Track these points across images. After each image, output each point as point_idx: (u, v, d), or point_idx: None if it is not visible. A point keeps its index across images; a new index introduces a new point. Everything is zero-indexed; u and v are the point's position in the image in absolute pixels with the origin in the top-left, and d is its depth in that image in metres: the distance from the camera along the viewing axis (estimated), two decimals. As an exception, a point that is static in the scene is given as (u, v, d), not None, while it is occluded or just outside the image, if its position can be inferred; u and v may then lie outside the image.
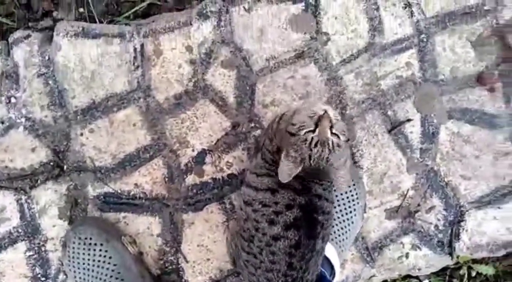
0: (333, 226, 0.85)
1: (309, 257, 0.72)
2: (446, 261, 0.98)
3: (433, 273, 1.04)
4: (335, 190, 0.86)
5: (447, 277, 1.08)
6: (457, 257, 0.99)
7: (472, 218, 0.96)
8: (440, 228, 0.96)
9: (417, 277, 1.06)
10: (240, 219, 0.80)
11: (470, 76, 0.95)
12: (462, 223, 0.96)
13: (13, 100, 0.93)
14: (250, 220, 0.75)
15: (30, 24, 1.02)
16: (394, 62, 0.94)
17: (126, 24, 0.98)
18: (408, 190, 0.95)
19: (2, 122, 0.93)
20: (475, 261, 1.06)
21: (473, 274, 1.08)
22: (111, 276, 0.84)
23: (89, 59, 0.93)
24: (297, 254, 0.71)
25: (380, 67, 0.94)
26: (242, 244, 0.78)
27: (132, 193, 0.94)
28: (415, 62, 0.95)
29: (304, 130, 0.65)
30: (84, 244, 0.86)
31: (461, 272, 1.06)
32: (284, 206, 0.72)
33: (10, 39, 0.94)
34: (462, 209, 0.96)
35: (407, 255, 0.96)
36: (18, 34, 0.94)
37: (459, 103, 0.95)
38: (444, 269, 1.05)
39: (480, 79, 0.94)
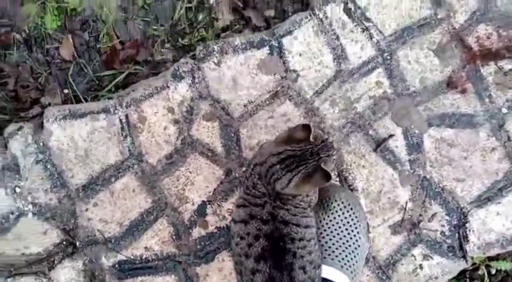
0: (340, 253, 0.86)
1: None
2: (462, 264, 0.98)
3: (453, 278, 1.04)
4: (328, 215, 0.88)
5: (467, 279, 1.07)
6: (472, 258, 0.99)
7: (475, 218, 0.97)
8: (447, 233, 0.97)
9: (437, 285, 1.06)
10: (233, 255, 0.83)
11: (440, 83, 0.98)
12: (467, 225, 0.97)
13: (18, 190, 0.98)
14: (236, 255, 0.78)
15: (21, 114, 1.09)
16: (364, 83, 0.98)
17: (108, 98, 1.03)
18: (406, 203, 0.96)
19: (12, 213, 0.98)
20: (491, 258, 1.05)
21: (493, 271, 1.07)
22: None
23: (80, 138, 0.98)
24: None
25: (352, 91, 0.98)
26: (237, 278, 0.80)
27: (144, 256, 0.97)
28: (384, 80, 0.98)
29: None
30: (109, 313, 0.89)
31: (480, 272, 1.06)
32: (253, 237, 0.73)
33: (5, 134, 0.99)
34: (463, 210, 0.97)
35: (421, 266, 0.97)
36: (11, 128, 0.99)
37: (435, 110, 0.98)
38: (463, 272, 1.05)
39: (450, 83, 0.97)
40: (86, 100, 1.08)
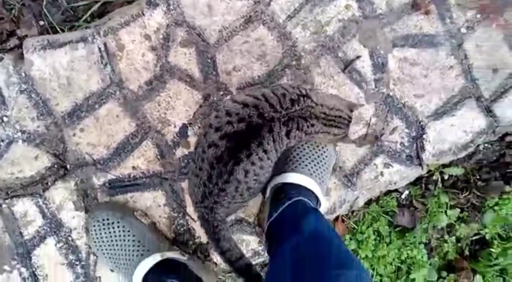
0: (309, 162, 0.96)
1: (226, 178, 0.79)
2: (418, 171, 1.10)
3: (410, 184, 1.17)
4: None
5: (423, 185, 1.21)
6: (427, 165, 1.11)
7: (432, 130, 1.07)
8: (406, 144, 1.08)
9: (397, 190, 1.20)
10: None
11: (405, 5, 1.03)
12: (424, 136, 1.07)
13: (5, 119, 1.03)
14: (206, 126, 0.83)
15: (-1, 46, 1.10)
16: (334, 7, 1.02)
17: (86, 27, 1.05)
18: (370, 118, 1.06)
19: (2, 141, 1.03)
20: (445, 166, 1.19)
21: (446, 177, 1.21)
22: (133, 246, 0.96)
23: (61, 67, 1.01)
24: (216, 168, 0.79)
25: (323, 15, 1.02)
26: (193, 156, 0.87)
27: (132, 175, 1.05)
28: (353, 3, 1.02)
29: None
30: (103, 224, 0.98)
31: (434, 177, 1.20)
32: (237, 119, 0.79)
33: (-14, 66, 1.02)
34: (421, 123, 1.07)
35: (382, 174, 1.08)
36: (-9, 59, 1.02)
37: (400, 31, 1.04)
38: (419, 178, 1.19)
39: (415, 5, 1.02)
40: (63, 31, 1.10)
